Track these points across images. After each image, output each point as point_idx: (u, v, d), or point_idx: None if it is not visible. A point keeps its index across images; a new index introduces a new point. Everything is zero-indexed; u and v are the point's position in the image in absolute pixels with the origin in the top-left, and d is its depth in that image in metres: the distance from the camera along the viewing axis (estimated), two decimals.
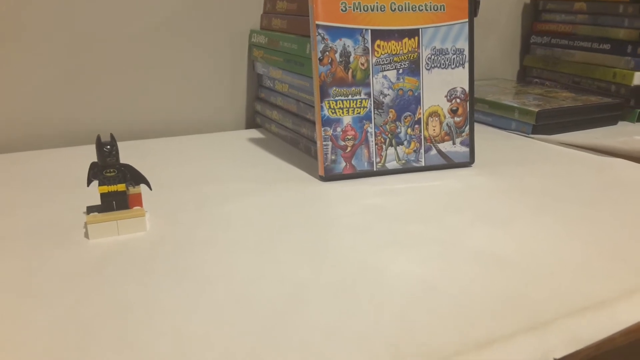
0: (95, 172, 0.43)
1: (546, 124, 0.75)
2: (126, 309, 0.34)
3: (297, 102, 0.68)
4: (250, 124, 0.84)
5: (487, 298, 0.35)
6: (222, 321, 0.33)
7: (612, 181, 0.57)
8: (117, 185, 0.44)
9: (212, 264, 0.39)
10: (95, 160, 0.44)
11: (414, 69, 0.58)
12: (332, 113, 0.56)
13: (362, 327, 0.32)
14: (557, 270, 0.39)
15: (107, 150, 0.43)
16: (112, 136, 0.43)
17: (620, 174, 0.60)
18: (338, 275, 0.38)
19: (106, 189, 0.44)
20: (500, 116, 0.80)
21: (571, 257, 0.41)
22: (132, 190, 0.45)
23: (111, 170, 0.43)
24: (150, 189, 0.47)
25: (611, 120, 0.82)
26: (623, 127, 0.82)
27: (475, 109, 0.84)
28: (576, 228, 0.46)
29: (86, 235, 0.44)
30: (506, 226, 0.46)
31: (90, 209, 0.45)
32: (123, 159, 0.65)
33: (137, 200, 0.45)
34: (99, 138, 0.43)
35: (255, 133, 0.78)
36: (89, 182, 0.44)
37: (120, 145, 0.71)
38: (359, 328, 0.32)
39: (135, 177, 0.45)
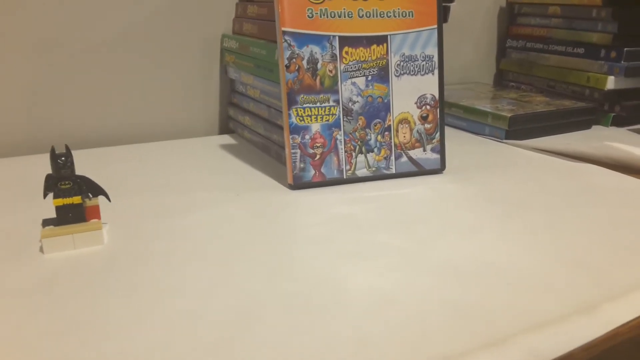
0: (50, 185, 0.42)
1: (519, 129, 0.75)
2: (73, 328, 0.33)
3: (268, 108, 0.67)
4: (224, 129, 0.83)
5: (445, 312, 0.35)
6: (170, 339, 0.32)
7: (582, 187, 0.57)
8: (72, 198, 0.42)
9: (167, 279, 0.38)
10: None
11: (383, 75, 0.57)
12: (300, 120, 0.55)
13: (314, 344, 0.31)
14: (516, 282, 0.38)
15: (61, 162, 0.42)
16: (67, 147, 0.42)
17: (590, 180, 0.59)
18: (295, 288, 0.37)
19: (61, 201, 0.42)
20: (474, 121, 0.80)
21: (533, 268, 0.40)
22: (89, 202, 0.44)
23: (66, 182, 0.42)
24: (109, 201, 0.46)
25: (585, 125, 0.83)
26: (597, 131, 0.82)
27: (450, 113, 0.84)
28: (541, 237, 0.45)
29: (41, 249, 0.43)
30: (472, 236, 0.46)
31: (46, 222, 0.44)
32: (89, 168, 0.63)
33: (95, 212, 0.44)
34: (53, 149, 0.41)
35: (227, 139, 0.77)
36: (45, 195, 0.43)
37: (86, 153, 0.69)
38: (310, 345, 0.31)
39: (92, 189, 0.44)
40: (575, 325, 0.34)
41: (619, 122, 0.85)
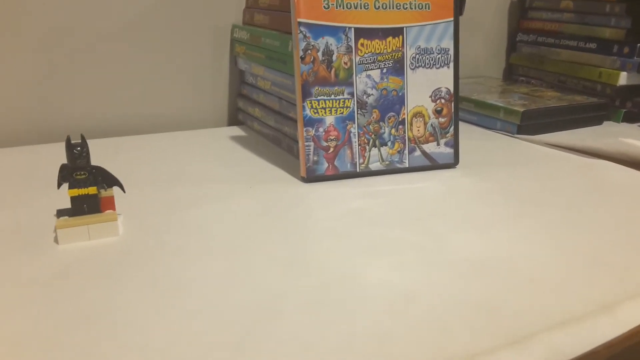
0: (65, 175, 0.42)
1: (531, 124, 0.75)
2: (91, 320, 0.32)
3: (279, 100, 0.67)
4: (233, 121, 0.82)
5: (466, 309, 0.34)
6: (191, 333, 0.31)
7: (596, 184, 0.57)
8: (87, 188, 0.42)
9: (183, 272, 0.38)
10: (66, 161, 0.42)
11: (398, 68, 0.57)
12: (315, 113, 0.55)
13: (334, 341, 0.31)
14: (537, 279, 0.38)
15: (77, 152, 0.41)
16: (82, 137, 0.42)
17: (603, 176, 0.59)
18: (313, 284, 0.37)
19: (76, 192, 0.42)
20: (485, 115, 0.79)
21: (553, 265, 0.40)
22: (104, 193, 0.43)
23: (82, 172, 0.42)
24: (124, 192, 0.46)
25: (596, 120, 0.82)
26: (608, 127, 0.81)
27: (461, 107, 0.83)
28: (558, 233, 0.45)
29: (56, 240, 0.42)
30: (487, 231, 0.45)
31: (60, 213, 0.43)
32: (99, 158, 0.63)
33: (110, 203, 0.44)
34: (68, 139, 0.41)
35: (237, 130, 0.76)
36: (59, 185, 0.42)
37: (97, 142, 0.69)
38: (331, 342, 0.31)
39: (107, 180, 0.43)
40: (596, 323, 0.34)
41: (630, 119, 0.85)
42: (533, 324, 0.33)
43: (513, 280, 0.38)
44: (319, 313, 0.34)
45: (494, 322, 0.33)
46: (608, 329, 0.34)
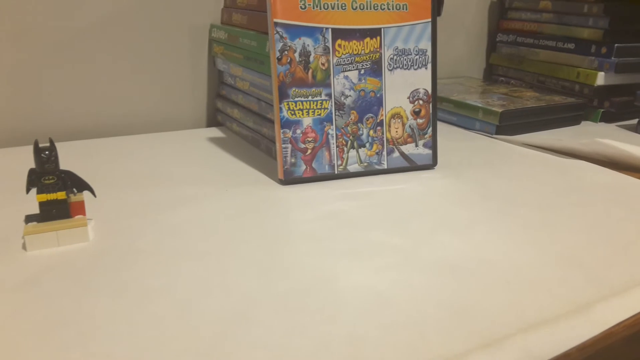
0: (33, 180, 0.41)
1: (510, 124, 0.75)
2: (59, 328, 0.32)
3: (258, 100, 0.66)
4: (212, 122, 0.81)
5: (442, 312, 0.34)
6: (160, 341, 0.31)
7: (574, 184, 0.57)
8: (56, 193, 0.41)
9: (155, 277, 0.37)
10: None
11: (376, 69, 0.56)
12: (292, 115, 0.54)
13: (309, 345, 0.30)
14: (513, 280, 0.38)
15: (45, 156, 0.40)
16: (51, 141, 0.41)
17: (581, 176, 0.59)
18: (288, 287, 0.36)
19: (45, 197, 0.41)
20: (464, 116, 0.79)
21: (529, 266, 0.40)
22: (74, 197, 0.42)
23: (50, 177, 0.41)
24: (95, 196, 0.45)
25: (574, 120, 0.83)
26: (586, 127, 0.82)
27: (440, 108, 0.83)
28: (535, 234, 0.45)
29: (24, 246, 0.41)
30: (465, 233, 0.45)
31: (29, 218, 0.42)
32: (73, 161, 0.62)
33: (80, 208, 0.43)
34: (36, 143, 0.40)
35: (215, 132, 0.76)
36: (27, 190, 0.41)
37: (71, 145, 0.67)
38: (304, 348, 0.30)
39: (77, 184, 0.42)
40: (570, 325, 0.34)
41: (608, 118, 0.85)
42: (507, 326, 0.33)
43: (489, 281, 0.38)
44: (293, 318, 0.33)
45: (468, 325, 0.33)
46: (582, 330, 0.34)
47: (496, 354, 0.31)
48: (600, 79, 0.84)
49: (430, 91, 0.59)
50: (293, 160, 0.55)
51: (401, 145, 0.59)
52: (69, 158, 0.62)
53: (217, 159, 0.64)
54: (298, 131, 0.55)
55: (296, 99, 0.54)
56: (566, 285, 0.38)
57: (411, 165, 0.60)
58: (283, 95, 0.54)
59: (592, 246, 0.43)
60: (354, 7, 0.54)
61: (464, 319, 0.33)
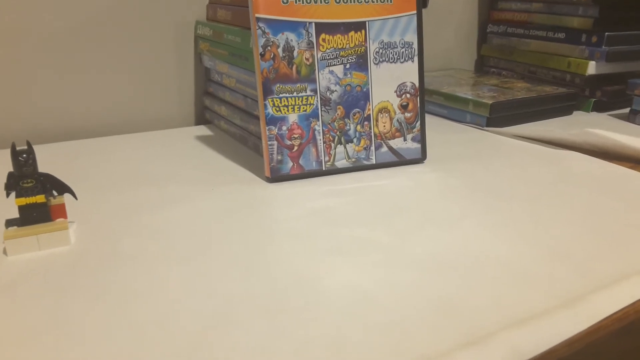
0: (12, 183, 0.40)
1: (500, 116, 0.74)
2: (36, 333, 0.31)
3: (244, 97, 0.65)
4: (200, 120, 0.80)
5: (427, 309, 0.34)
6: (141, 344, 0.30)
7: (564, 175, 0.56)
8: (35, 197, 0.40)
9: (137, 280, 0.37)
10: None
11: (361, 63, 0.56)
12: (277, 111, 0.54)
13: (292, 347, 0.30)
14: (500, 275, 0.37)
15: (22, 160, 0.39)
16: (28, 143, 0.40)
17: (572, 167, 0.59)
18: (272, 288, 0.36)
19: (24, 200, 0.40)
20: (455, 108, 0.79)
21: (516, 260, 0.39)
22: (54, 200, 0.42)
23: (28, 180, 0.40)
24: (76, 198, 0.44)
25: (566, 111, 0.82)
26: (577, 117, 0.81)
27: (430, 101, 0.82)
28: (524, 227, 0.45)
29: (4, 251, 0.41)
30: (453, 228, 0.45)
31: (9, 222, 0.42)
32: (56, 162, 0.61)
33: (61, 211, 0.42)
34: (13, 146, 0.39)
35: (203, 130, 0.75)
36: (7, 194, 0.41)
37: (54, 146, 0.66)
38: (287, 348, 0.30)
39: (56, 187, 0.42)
40: (558, 319, 0.33)
41: (600, 108, 0.85)
42: (493, 322, 0.32)
43: (476, 277, 0.37)
44: (276, 318, 0.33)
45: (454, 322, 0.32)
46: (570, 324, 0.33)
47: (481, 352, 0.30)
48: (592, 68, 0.83)
49: (417, 84, 0.58)
50: (280, 157, 0.54)
51: (389, 139, 0.58)
52: (54, 159, 0.61)
53: (204, 157, 0.63)
54: (284, 128, 0.54)
55: (281, 95, 0.53)
56: (554, 280, 0.37)
57: (400, 160, 0.59)
58: (267, 92, 0.53)
59: (582, 238, 0.43)
60: (338, 1, 0.53)
61: (450, 316, 0.33)
